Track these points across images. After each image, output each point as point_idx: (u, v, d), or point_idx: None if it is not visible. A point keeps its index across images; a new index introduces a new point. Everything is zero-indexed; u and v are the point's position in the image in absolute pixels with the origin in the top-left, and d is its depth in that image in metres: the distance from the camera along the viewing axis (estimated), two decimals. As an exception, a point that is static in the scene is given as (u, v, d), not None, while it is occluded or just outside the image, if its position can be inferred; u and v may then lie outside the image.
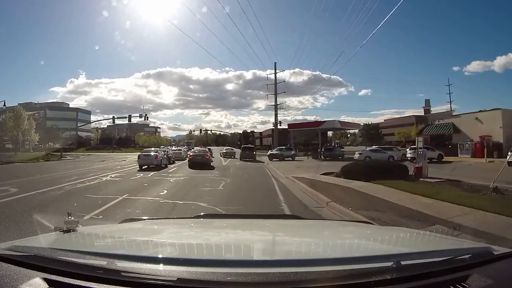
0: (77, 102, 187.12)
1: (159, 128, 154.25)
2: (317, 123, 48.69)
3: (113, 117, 52.85)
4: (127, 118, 52.23)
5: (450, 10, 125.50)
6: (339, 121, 49.64)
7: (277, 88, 53.77)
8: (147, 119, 50.83)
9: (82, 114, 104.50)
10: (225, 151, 46.37)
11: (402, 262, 1.22)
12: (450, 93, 59.59)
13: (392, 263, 1.21)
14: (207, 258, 1.44)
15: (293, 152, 39.40)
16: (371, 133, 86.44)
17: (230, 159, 39.15)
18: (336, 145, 55.26)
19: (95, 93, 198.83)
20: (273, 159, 35.10)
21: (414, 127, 79.47)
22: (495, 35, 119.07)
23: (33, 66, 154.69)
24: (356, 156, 30.66)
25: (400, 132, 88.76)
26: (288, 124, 55.44)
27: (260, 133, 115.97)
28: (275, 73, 53.50)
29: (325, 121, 48.07)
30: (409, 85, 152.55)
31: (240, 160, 36.40)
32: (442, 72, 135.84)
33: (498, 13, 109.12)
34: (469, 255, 1.32)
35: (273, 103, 55.41)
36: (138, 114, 51.62)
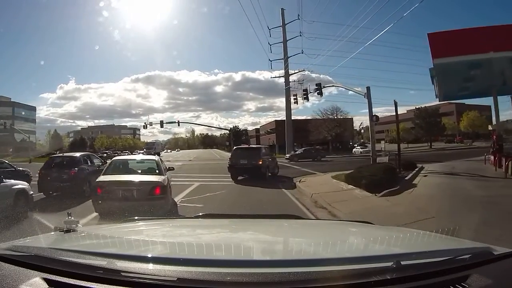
0: (67, 108, 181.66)
1: (139, 130, 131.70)
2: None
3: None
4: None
5: (438, 2, 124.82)
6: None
7: (287, 49, 43.93)
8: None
9: (20, 110, 74.88)
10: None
11: (402, 262, 1.22)
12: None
13: (392, 263, 1.21)
14: (207, 258, 1.45)
15: None
16: (429, 121, 55.58)
17: None
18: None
19: (85, 98, 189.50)
20: None
21: (465, 116, 64.22)
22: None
23: (21, 72, 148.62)
24: None
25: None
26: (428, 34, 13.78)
27: (257, 129, 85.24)
28: (283, 25, 45.80)
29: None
30: (399, 83, 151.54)
31: (231, 179, 15.74)
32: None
33: (486, 5, 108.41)
34: (469, 255, 1.32)
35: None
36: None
